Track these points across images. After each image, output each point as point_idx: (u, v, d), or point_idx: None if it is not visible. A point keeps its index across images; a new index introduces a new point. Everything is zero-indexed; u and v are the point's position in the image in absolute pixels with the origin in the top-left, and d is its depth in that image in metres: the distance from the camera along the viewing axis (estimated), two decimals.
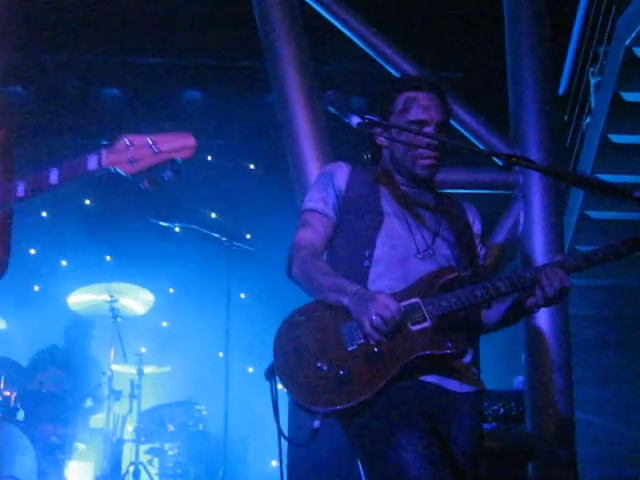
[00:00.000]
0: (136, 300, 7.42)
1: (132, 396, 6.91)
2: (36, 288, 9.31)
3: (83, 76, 8.82)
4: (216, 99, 9.18)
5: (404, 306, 2.99)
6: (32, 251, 9.26)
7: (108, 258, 9.38)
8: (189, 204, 8.56)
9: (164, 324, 9.21)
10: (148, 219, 7.37)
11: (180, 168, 2.66)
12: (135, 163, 2.69)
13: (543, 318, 5.56)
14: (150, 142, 2.67)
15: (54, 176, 2.73)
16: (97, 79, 8.93)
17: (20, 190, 2.74)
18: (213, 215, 9.27)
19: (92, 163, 2.72)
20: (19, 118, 7.77)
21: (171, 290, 9.23)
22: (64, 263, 9.33)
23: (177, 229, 7.83)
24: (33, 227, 8.39)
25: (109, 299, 7.15)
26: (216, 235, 7.18)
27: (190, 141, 2.67)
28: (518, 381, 6.46)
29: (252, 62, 8.07)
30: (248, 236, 8.92)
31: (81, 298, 7.30)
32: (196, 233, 7.33)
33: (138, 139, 2.69)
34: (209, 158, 9.10)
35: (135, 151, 2.68)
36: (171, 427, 6.93)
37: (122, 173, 2.70)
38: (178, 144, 2.67)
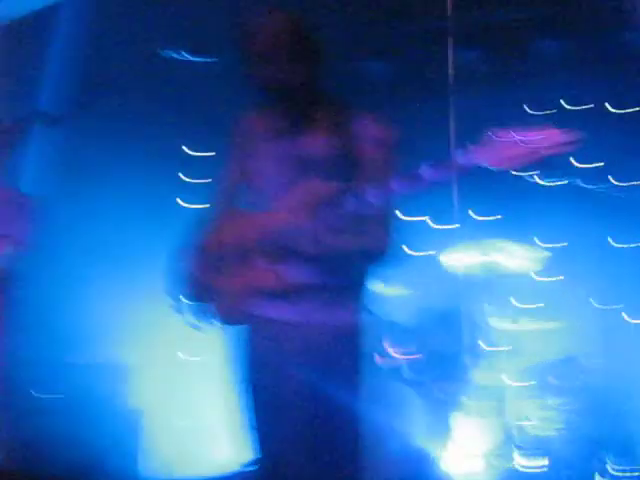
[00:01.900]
0: (514, 257, 7.40)
1: (511, 353, 7.01)
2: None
3: None
4: None
5: None
6: None
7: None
8: None
9: (540, 279, 8.56)
10: None
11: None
12: None
13: None
14: None
15: None
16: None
17: None
18: None
19: None
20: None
21: (559, 245, 8.56)
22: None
23: None
24: None
25: (485, 258, 7.23)
26: None
27: None
28: None
29: None
30: None
31: (457, 258, 7.42)
32: None
33: None
34: None
35: None
36: (554, 381, 6.92)
37: None
38: None
